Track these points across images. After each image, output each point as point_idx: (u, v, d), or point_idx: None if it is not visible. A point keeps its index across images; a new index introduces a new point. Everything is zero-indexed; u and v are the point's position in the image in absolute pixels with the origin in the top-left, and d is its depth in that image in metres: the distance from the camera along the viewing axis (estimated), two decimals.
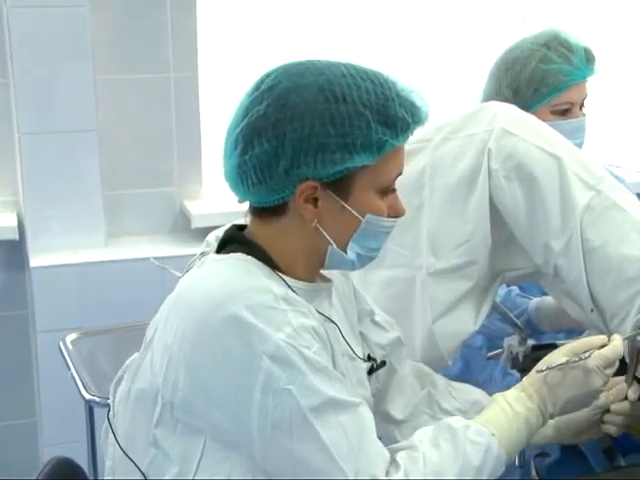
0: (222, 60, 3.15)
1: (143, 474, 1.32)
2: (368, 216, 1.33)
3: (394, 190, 1.38)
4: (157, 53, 2.98)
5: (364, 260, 1.40)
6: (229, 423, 1.25)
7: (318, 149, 1.27)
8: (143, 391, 1.34)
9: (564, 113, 2.01)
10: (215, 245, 1.43)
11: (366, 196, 1.33)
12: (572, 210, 1.56)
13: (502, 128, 1.59)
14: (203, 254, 1.42)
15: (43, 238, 2.89)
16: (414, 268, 1.64)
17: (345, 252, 1.36)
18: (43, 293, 2.83)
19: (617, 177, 1.86)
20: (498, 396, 1.41)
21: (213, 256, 1.38)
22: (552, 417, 1.42)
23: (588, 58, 2.04)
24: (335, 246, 1.35)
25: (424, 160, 1.65)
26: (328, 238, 1.34)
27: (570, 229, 1.56)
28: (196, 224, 3.00)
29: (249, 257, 1.33)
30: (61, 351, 2.52)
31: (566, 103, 2.01)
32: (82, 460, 1.95)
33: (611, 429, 1.55)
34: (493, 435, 1.34)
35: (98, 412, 2.50)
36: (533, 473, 1.85)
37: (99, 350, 2.64)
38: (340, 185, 1.31)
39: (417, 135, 1.65)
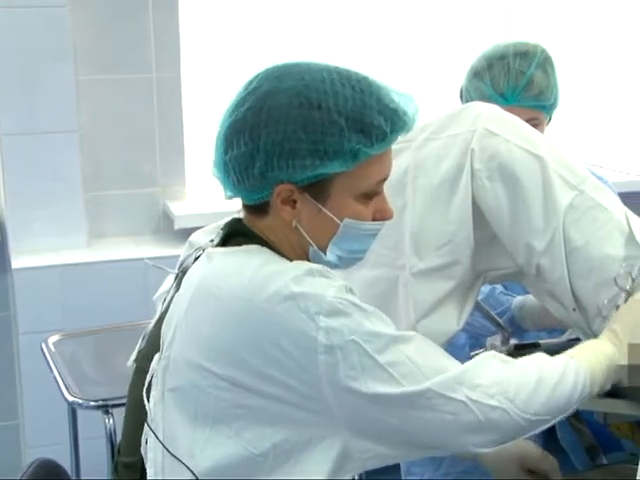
0: (205, 61, 3.15)
1: (191, 471, 1.33)
2: (346, 220, 1.36)
3: (378, 194, 1.39)
4: (139, 54, 2.97)
5: (348, 261, 1.43)
6: (298, 397, 1.27)
7: (290, 154, 1.30)
8: (180, 388, 1.35)
9: None
10: (199, 244, 1.44)
11: (344, 201, 1.35)
12: (554, 210, 1.56)
13: (485, 128, 1.60)
14: (198, 249, 1.43)
15: (25, 239, 2.88)
16: (397, 268, 1.65)
17: (325, 254, 1.39)
18: (25, 295, 2.82)
19: (600, 177, 1.87)
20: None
21: (222, 249, 1.40)
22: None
23: (525, 87, 1.98)
24: (315, 247, 1.38)
25: (407, 160, 1.65)
26: (308, 239, 1.37)
27: (552, 229, 1.56)
28: (179, 225, 2.99)
29: (263, 248, 1.36)
30: (43, 353, 2.51)
31: None
32: (65, 462, 1.95)
33: None
34: (571, 357, 1.41)
35: (81, 414, 2.50)
36: None
37: (81, 352, 2.64)
38: (317, 189, 1.34)
39: None
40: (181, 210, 3.04)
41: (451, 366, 1.33)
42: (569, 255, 1.55)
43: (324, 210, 1.34)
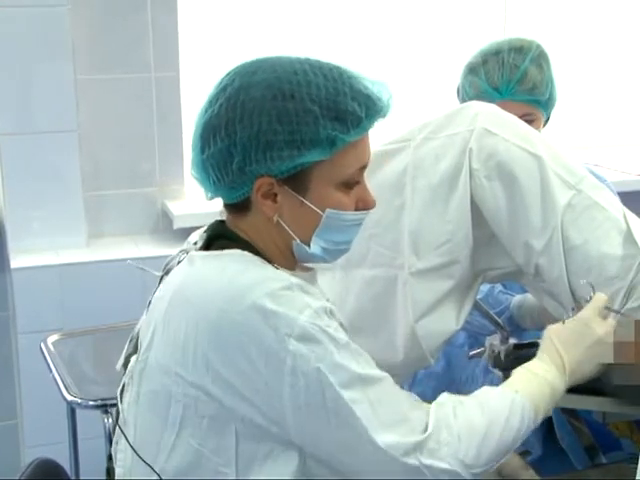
0: (204, 60, 3.15)
1: (159, 475, 1.33)
2: (328, 211, 1.35)
3: (358, 182, 1.38)
4: (138, 53, 2.97)
5: (334, 253, 1.42)
6: (259, 413, 1.27)
7: (266, 147, 1.30)
8: (154, 393, 1.35)
9: None
10: (195, 242, 1.44)
11: (325, 191, 1.35)
12: (553, 209, 1.56)
13: (483, 128, 1.60)
14: (183, 252, 1.42)
15: (24, 239, 2.87)
16: (396, 268, 1.65)
17: (309, 246, 1.38)
18: (24, 294, 2.81)
19: (598, 177, 1.87)
20: (518, 368, 1.46)
21: (204, 253, 1.39)
22: (573, 376, 1.44)
23: (520, 81, 1.98)
24: (298, 241, 1.37)
25: (405, 160, 1.65)
26: (291, 233, 1.37)
27: (551, 228, 1.56)
28: (178, 224, 2.99)
29: (245, 252, 1.35)
30: (42, 353, 2.51)
31: None
32: (64, 461, 1.95)
33: None
34: (516, 392, 1.39)
35: (80, 413, 2.49)
36: None
37: (81, 351, 2.64)
38: (296, 180, 1.33)
39: (398, 135, 1.66)
40: (180, 209, 3.03)
41: (412, 419, 1.31)
42: (567, 254, 1.55)
43: (305, 202, 1.34)
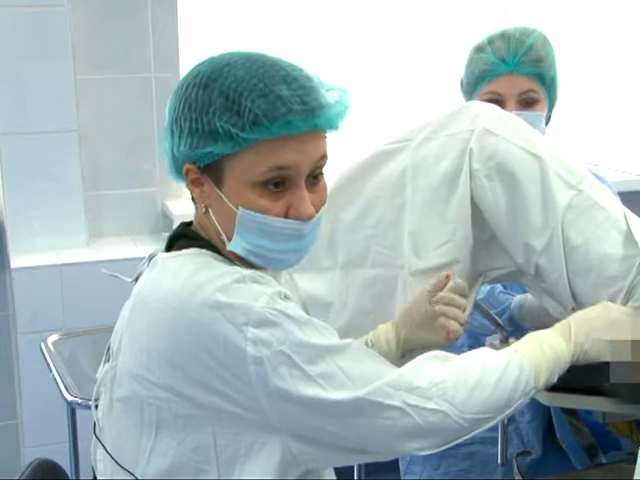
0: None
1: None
2: (241, 209, 1.31)
3: (280, 184, 1.31)
4: (138, 53, 2.97)
5: (266, 260, 1.36)
6: (232, 402, 1.26)
7: (180, 132, 1.33)
8: (125, 399, 1.35)
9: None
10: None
11: (238, 187, 1.31)
12: (553, 209, 1.56)
13: (484, 128, 1.60)
14: (151, 256, 1.42)
15: (24, 239, 2.88)
16: (396, 268, 1.64)
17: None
18: (24, 294, 2.81)
19: (599, 177, 1.87)
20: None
21: (164, 255, 1.39)
22: (580, 346, 1.42)
23: (525, 53, 2.00)
24: (223, 235, 1.35)
25: (406, 160, 1.65)
26: (217, 225, 1.35)
27: (551, 228, 1.56)
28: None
29: (204, 251, 1.35)
30: (42, 352, 2.51)
31: (490, 93, 2.00)
32: (64, 462, 1.95)
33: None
34: (515, 350, 1.37)
35: (80, 413, 2.49)
36: (515, 471, 1.86)
37: (81, 351, 2.63)
38: (213, 171, 1.33)
39: (398, 135, 1.66)
40: (180, 209, 3.03)
41: (387, 372, 1.29)
42: (568, 254, 1.55)
43: (221, 195, 1.32)
